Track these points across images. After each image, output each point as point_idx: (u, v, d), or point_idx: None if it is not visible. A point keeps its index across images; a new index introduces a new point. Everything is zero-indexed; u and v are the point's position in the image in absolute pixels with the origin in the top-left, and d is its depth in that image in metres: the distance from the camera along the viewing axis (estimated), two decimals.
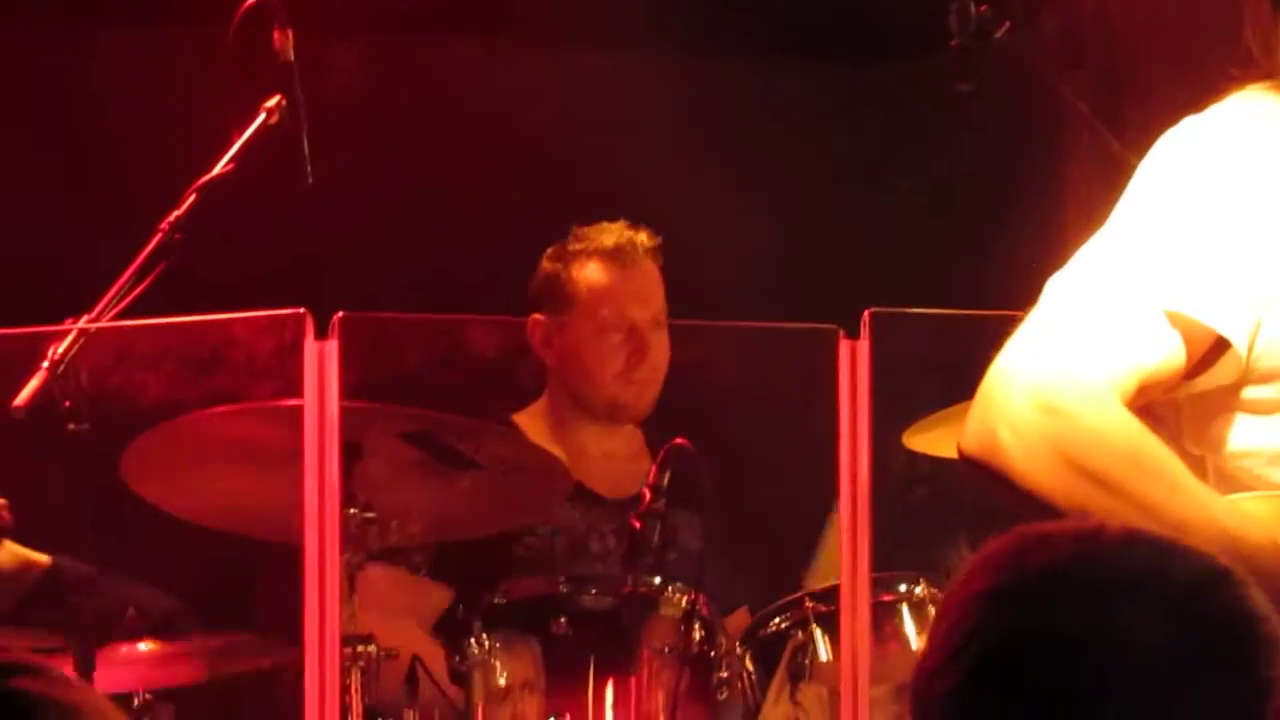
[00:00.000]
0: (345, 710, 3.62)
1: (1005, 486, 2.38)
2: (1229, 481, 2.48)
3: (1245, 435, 2.50)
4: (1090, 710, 1.63)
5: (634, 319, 4.41)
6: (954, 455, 2.47)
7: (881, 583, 3.87)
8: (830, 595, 3.84)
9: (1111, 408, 2.39)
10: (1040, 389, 2.39)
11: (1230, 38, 2.61)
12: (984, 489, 2.41)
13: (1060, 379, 2.39)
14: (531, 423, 4.46)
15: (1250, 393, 2.49)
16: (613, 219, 4.47)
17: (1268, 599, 1.70)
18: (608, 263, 4.41)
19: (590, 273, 4.42)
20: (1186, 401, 2.51)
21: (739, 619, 4.22)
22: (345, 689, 3.62)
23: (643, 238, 4.43)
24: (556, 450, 4.31)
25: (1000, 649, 1.66)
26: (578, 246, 4.44)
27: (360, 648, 3.69)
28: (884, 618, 3.94)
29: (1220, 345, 2.46)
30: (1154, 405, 2.46)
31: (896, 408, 4.06)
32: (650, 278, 4.44)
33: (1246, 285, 2.45)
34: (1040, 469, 2.36)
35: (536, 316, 4.45)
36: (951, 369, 3.77)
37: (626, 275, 4.41)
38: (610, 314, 4.41)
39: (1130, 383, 2.42)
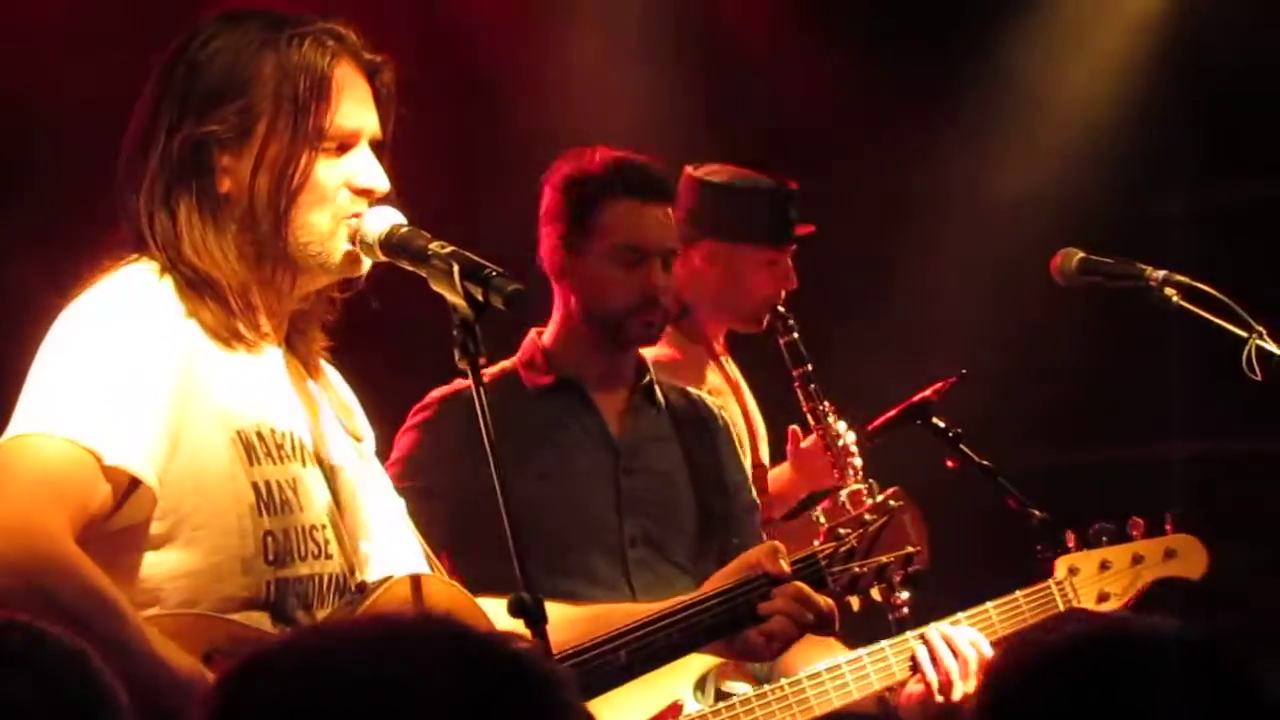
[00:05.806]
0: None
1: None
2: (140, 600, 2.99)
3: (150, 563, 3.03)
4: None
5: None
6: None
7: None
8: None
9: (69, 548, 2.90)
10: (11, 532, 2.88)
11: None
12: None
13: (27, 524, 2.89)
14: None
15: (153, 528, 3.02)
16: None
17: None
18: None
19: None
20: (109, 534, 3.01)
21: None
22: None
23: None
24: None
25: None
26: None
27: None
28: None
29: (134, 485, 2.99)
30: (84, 542, 2.92)
31: None
32: None
33: (151, 432, 2.97)
34: (16, 597, 2.78)
35: None
36: None
37: None
38: None
39: (78, 524, 2.93)
